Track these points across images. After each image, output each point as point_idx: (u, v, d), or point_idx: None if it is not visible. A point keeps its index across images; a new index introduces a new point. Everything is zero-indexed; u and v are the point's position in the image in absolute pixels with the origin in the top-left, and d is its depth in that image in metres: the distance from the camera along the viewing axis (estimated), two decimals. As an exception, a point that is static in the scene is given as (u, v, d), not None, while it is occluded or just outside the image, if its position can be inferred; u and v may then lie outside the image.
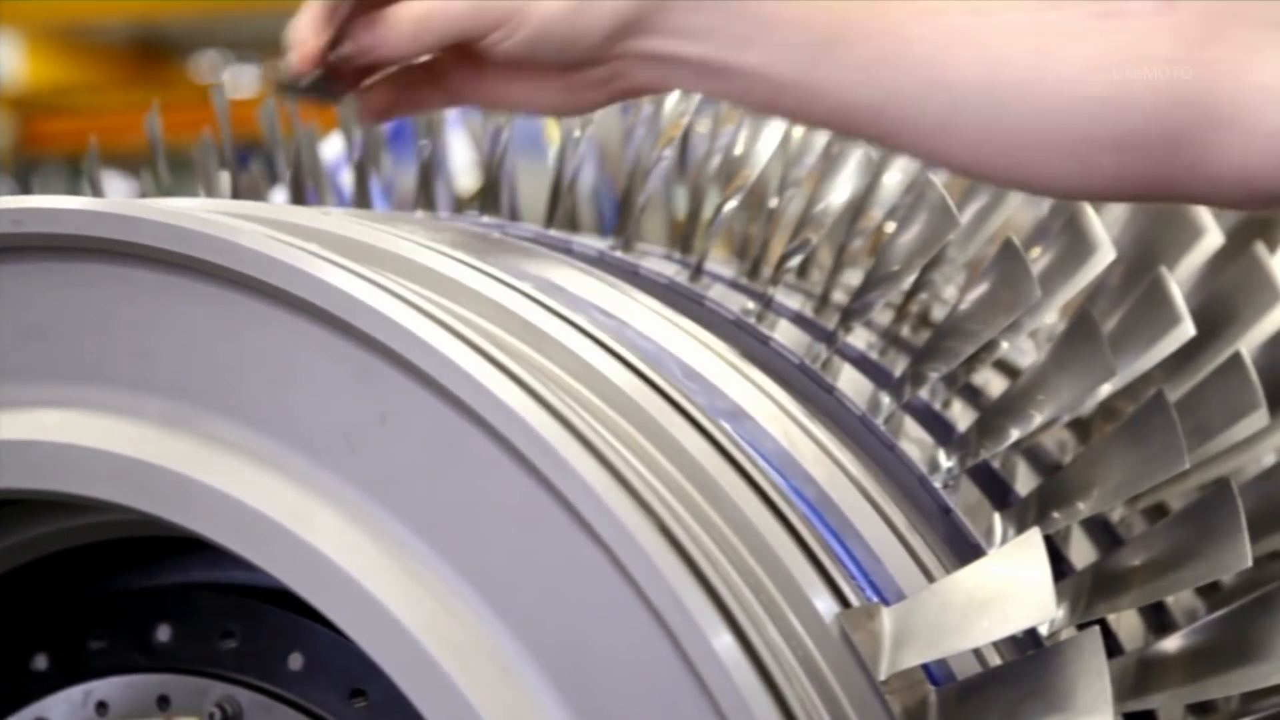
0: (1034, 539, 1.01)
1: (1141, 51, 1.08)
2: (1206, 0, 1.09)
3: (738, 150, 1.39)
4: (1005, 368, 1.54)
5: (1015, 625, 0.99)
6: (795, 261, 1.35)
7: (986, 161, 1.13)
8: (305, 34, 1.16)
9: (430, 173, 1.53)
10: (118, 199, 1.09)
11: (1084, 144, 1.10)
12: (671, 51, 1.13)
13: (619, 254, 1.32)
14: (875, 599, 1.08)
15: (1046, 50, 1.09)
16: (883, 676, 0.99)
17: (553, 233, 1.38)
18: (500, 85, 1.19)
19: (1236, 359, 1.30)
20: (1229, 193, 1.11)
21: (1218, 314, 1.41)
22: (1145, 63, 1.08)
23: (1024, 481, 1.35)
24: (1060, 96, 1.09)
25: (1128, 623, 1.34)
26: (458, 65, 1.19)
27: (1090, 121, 1.09)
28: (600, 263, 1.29)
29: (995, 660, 1.10)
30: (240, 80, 10.57)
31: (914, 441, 1.27)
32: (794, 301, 1.41)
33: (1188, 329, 1.27)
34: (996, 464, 1.30)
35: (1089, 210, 1.31)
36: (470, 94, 1.21)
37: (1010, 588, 1.00)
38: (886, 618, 1.02)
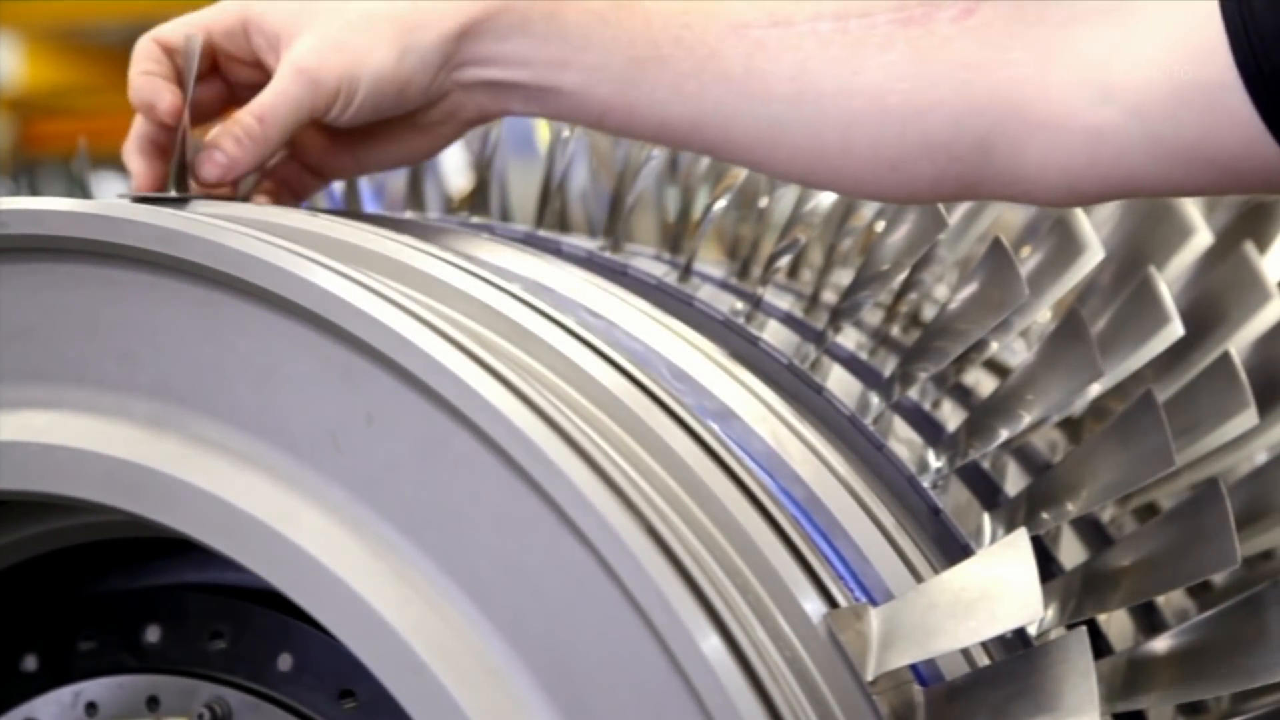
0: (1020, 539, 1.01)
1: (944, 58, 1.09)
2: (1007, 2, 1.09)
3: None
4: (995, 367, 1.54)
5: (1002, 625, 0.99)
6: (785, 261, 1.35)
7: (809, 171, 1.14)
8: (135, 168, 1.18)
9: (420, 174, 1.53)
10: (103, 200, 1.09)
11: (897, 153, 1.11)
12: (496, 78, 1.16)
13: (608, 254, 1.32)
14: (863, 600, 1.08)
15: (852, 60, 1.10)
16: (870, 677, 0.99)
17: (542, 233, 1.38)
18: (361, 150, 1.23)
19: (1226, 359, 1.30)
20: (1050, 193, 1.12)
21: (1207, 314, 1.41)
22: (948, 69, 1.09)
23: (1014, 481, 1.35)
24: (867, 107, 1.10)
25: (1119, 623, 1.33)
26: (316, 144, 1.23)
27: (898, 132, 1.10)
28: (589, 263, 1.29)
29: (983, 661, 1.10)
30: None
31: (903, 442, 1.27)
32: (784, 301, 1.41)
33: (1177, 329, 1.27)
34: (986, 464, 1.30)
35: (1078, 210, 1.31)
36: (338, 168, 1.25)
37: (997, 588, 1.00)
38: (874, 618, 1.02)
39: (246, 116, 1.16)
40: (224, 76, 1.21)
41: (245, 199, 1.21)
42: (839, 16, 1.11)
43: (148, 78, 1.16)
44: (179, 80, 1.17)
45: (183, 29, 1.18)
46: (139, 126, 1.18)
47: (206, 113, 1.22)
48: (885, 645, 1.01)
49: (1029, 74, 1.08)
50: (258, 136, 1.15)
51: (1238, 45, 1.03)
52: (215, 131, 1.16)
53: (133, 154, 1.18)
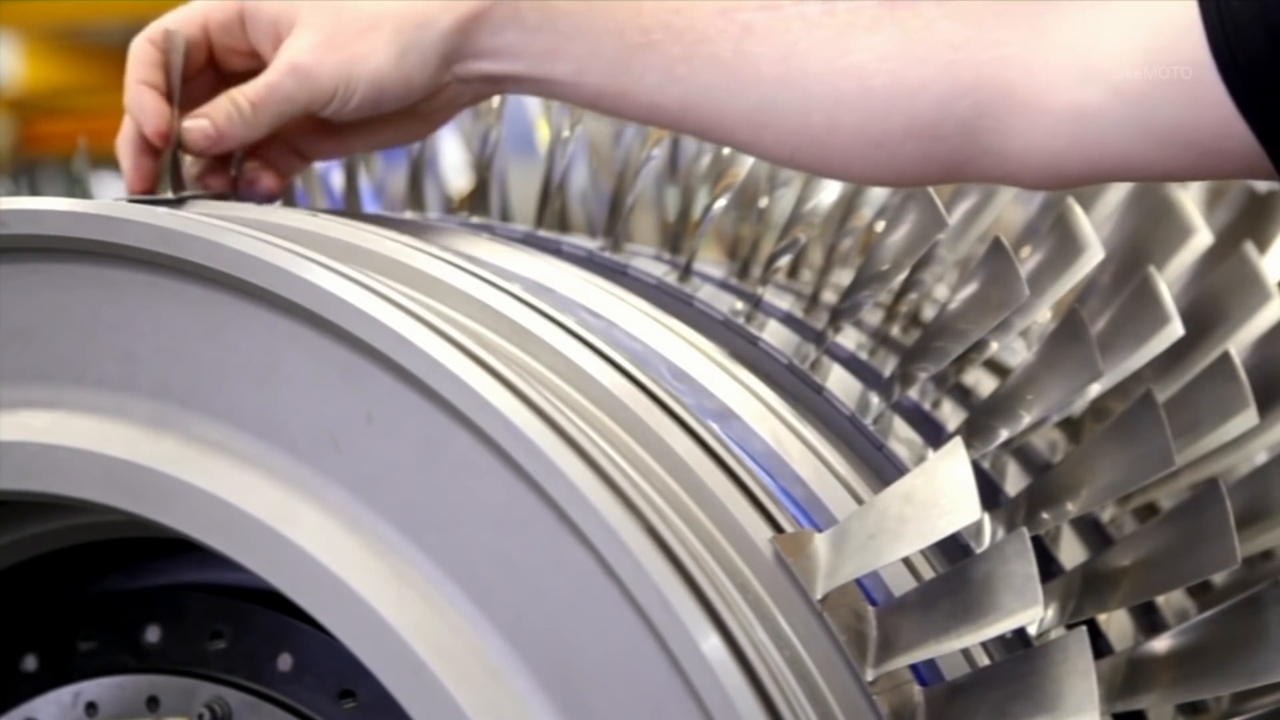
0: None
1: (929, 38, 1.10)
2: None
3: (727, 149, 1.39)
4: (995, 367, 1.54)
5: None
6: (784, 261, 1.35)
7: (797, 153, 1.15)
8: (127, 166, 1.18)
9: (420, 173, 1.53)
10: (103, 200, 1.09)
11: (882, 134, 1.12)
12: (491, 71, 1.18)
13: (608, 254, 1.32)
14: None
15: (839, 42, 1.11)
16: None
17: (542, 233, 1.38)
18: (349, 135, 1.23)
19: (1225, 359, 1.30)
20: (1034, 174, 1.13)
21: (1207, 314, 1.41)
22: (933, 49, 1.10)
23: (1014, 481, 1.35)
24: (854, 88, 1.11)
25: (1118, 623, 1.33)
26: (302, 128, 1.23)
27: (884, 112, 1.11)
28: (589, 263, 1.29)
29: (983, 660, 1.10)
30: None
31: (903, 442, 1.27)
32: (784, 302, 1.41)
33: (1177, 329, 1.27)
34: (986, 464, 1.30)
35: (1078, 209, 1.31)
36: (323, 151, 1.26)
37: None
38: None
39: (240, 97, 1.17)
40: (219, 67, 1.21)
41: (234, 181, 1.21)
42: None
43: (140, 89, 1.17)
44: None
45: (175, 24, 1.19)
46: (130, 125, 1.18)
47: (199, 105, 1.22)
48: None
49: (1013, 54, 1.09)
50: (248, 119, 1.16)
51: (1212, 30, 1.05)
52: (210, 104, 1.17)
53: (125, 152, 1.18)
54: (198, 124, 1.17)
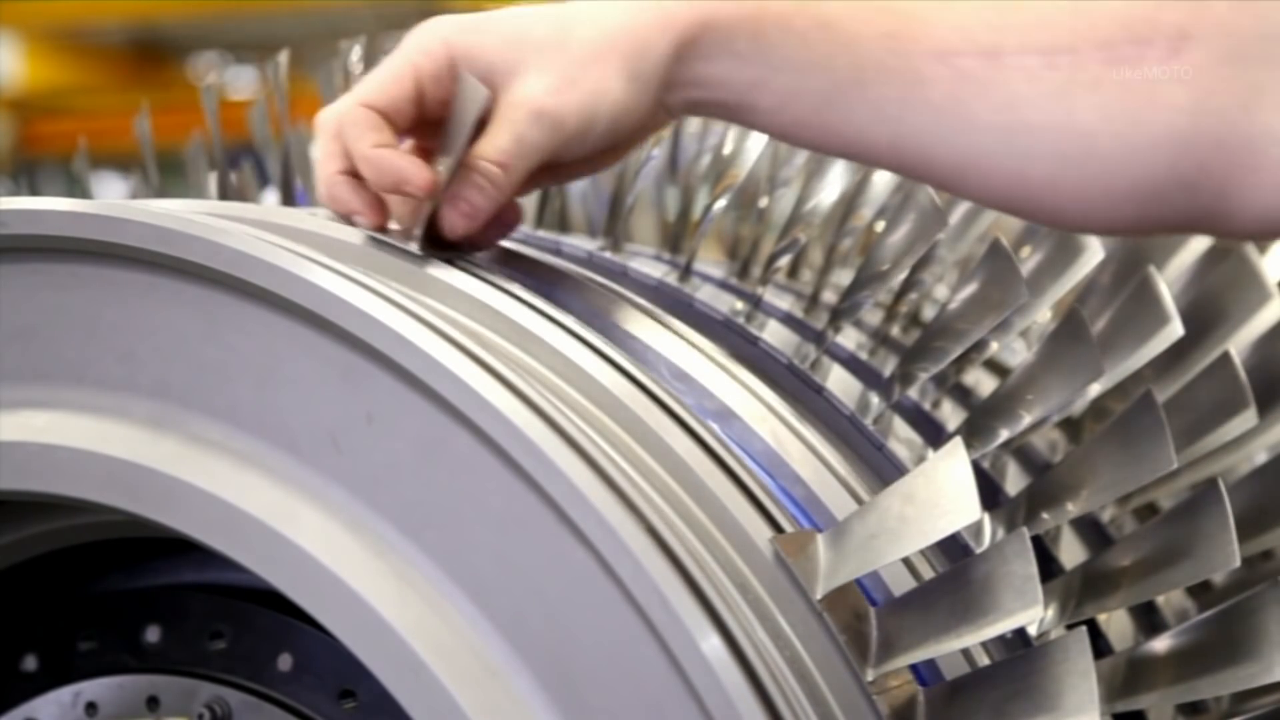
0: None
1: (1154, 100, 1.09)
2: (1215, 41, 1.09)
3: (727, 149, 1.39)
4: (995, 367, 1.54)
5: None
6: (784, 261, 1.35)
7: (1007, 199, 1.14)
8: (348, 202, 1.11)
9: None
10: (103, 200, 1.09)
11: (1104, 192, 1.11)
12: (696, 98, 1.14)
13: (608, 254, 1.32)
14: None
15: (1062, 99, 1.10)
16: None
17: (542, 233, 1.38)
18: (560, 171, 1.17)
19: (1225, 358, 1.30)
20: (1250, 229, 1.13)
21: (1207, 313, 1.41)
22: (1158, 111, 1.09)
23: (1014, 481, 1.35)
24: (1077, 146, 1.10)
25: (1118, 623, 1.33)
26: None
27: (1107, 171, 1.10)
28: (589, 263, 1.29)
29: (983, 660, 1.10)
30: (238, 82, 10.58)
31: (903, 442, 1.27)
32: (784, 302, 1.41)
33: (1176, 328, 1.27)
34: (986, 464, 1.30)
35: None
36: (529, 188, 1.18)
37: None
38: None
39: (487, 164, 1.10)
40: (425, 116, 1.13)
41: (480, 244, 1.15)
42: (1046, 51, 1.10)
43: (385, 154, 1.10)
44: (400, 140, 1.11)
45: (391, 85, 1.11)
46: (333, 165, 1.11)
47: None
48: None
49: (1236, 115, 1.09)
50: (501, 184, 1.10)
51: None
52: (453, 179, 1.09)
53: (340, 192, 1.11)
54: (454, 205, 1.10)
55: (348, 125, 1.11)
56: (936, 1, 1.12)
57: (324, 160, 1.12)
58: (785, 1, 1.12)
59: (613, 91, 1.10)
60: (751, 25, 1.11)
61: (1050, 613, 1.15)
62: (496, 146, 1.09)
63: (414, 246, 1.08)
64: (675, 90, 1.13)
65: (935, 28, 1.11)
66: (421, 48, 1.12)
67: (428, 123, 1.13)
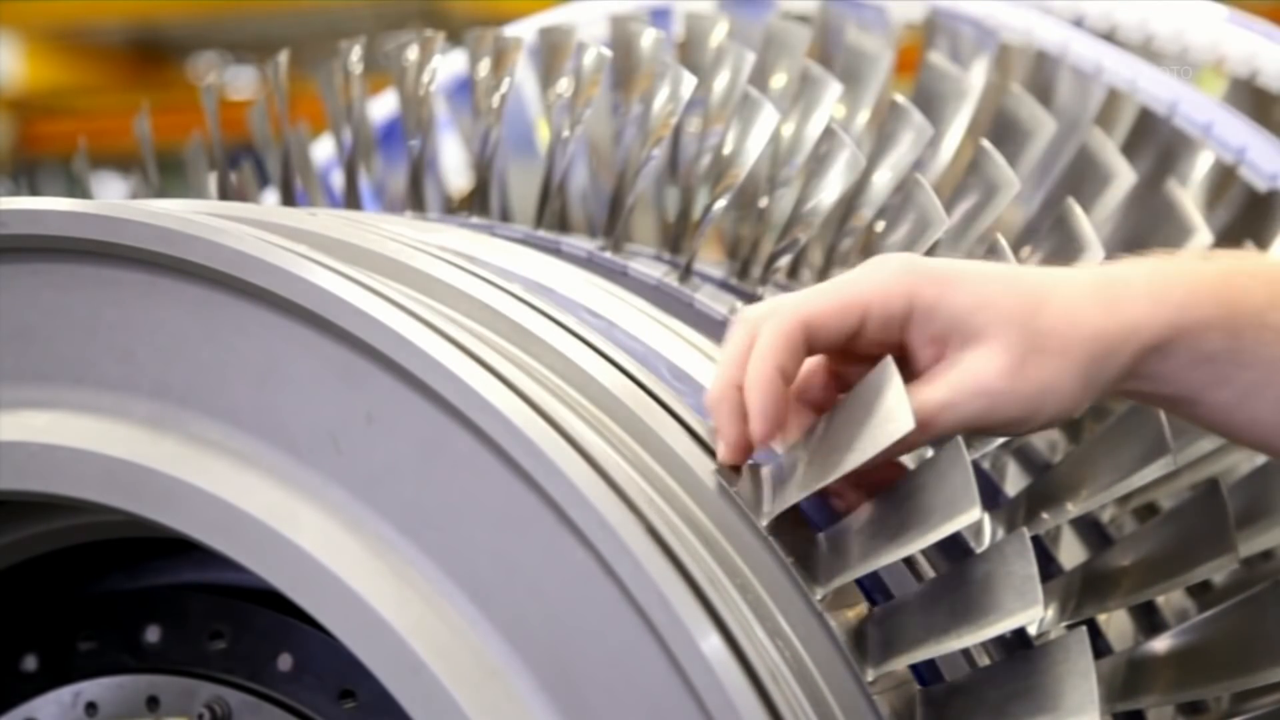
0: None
1: None
2: None
3: (727, 149, 1.38)
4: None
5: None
6: (785, 261, 1.35)
7: None
8: (726, 431, 1.05)
9: (420, 174, 1.53)
10: (102, 200, 1.09)
11: None
12: (1137, 389, 1.09)
13: (608, 254, 1.31)
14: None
15: None
16: (764, 522, 1.00)
17: (542, 233, 1.38)
18: None
19: (1226, 358, 1.30)
20: None
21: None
22: None
23: (1014, 481, 1.35)
24: None
25: (1118, 623, 1.33)
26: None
27: None
28: (589, 263, 1.29)
29: (983, 660, 1.10)
30: (238, 82, 10.58)
31: (903, 441, 1.26)
32: (784, 302, 1.40)
33: (1177, 329, 1.26)
34: (986, 464, 1.30)
35: (1078, 209, 1.31)
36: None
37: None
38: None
39: (919, 435, 1.02)
40: (851, 348, 1.07)
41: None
42: None
43: (777, 393, 1.03)
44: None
45: (835, 318, 1.04)
46: (731, 391, 1.04)
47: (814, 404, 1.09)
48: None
49: None
50: (910, 442, 1.03)
51: None
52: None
53: (724, 414, 1.05)
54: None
55: (770, 332, 1.04)
56: None
57: (764, 356, 1.04)
58: (1255, 296, 1.07)
59: (1063, 390, 1.04)
60: (1226, 324, 1.07)
61: (1050, 613, 1.15)
62: (924, 400, 1.03)
63: (763, 522, 1.03)
64: (1119, 382, 1.07)
65: None
66: (881, 288, 1.05)
67: (849, 352, 1.07)
